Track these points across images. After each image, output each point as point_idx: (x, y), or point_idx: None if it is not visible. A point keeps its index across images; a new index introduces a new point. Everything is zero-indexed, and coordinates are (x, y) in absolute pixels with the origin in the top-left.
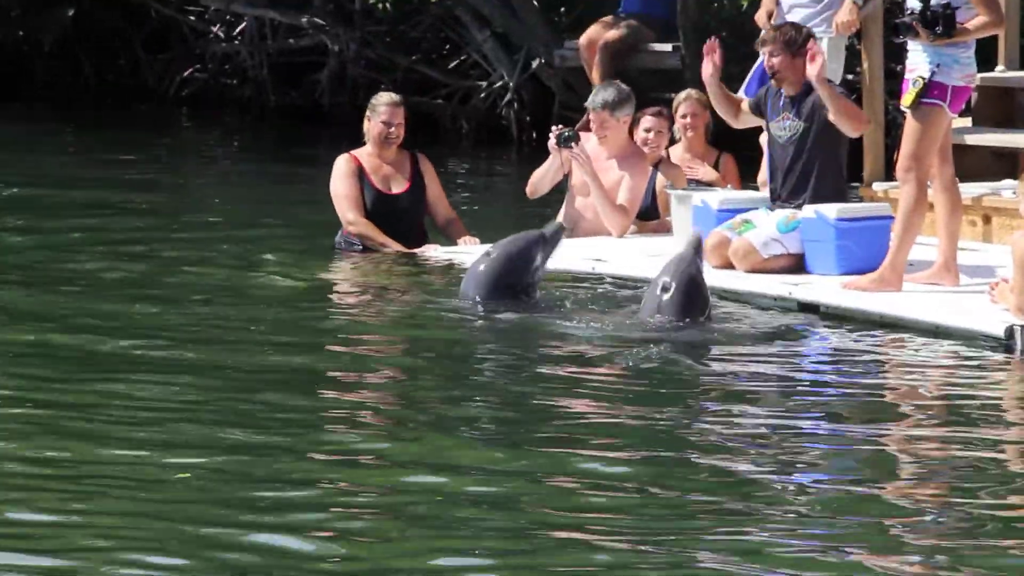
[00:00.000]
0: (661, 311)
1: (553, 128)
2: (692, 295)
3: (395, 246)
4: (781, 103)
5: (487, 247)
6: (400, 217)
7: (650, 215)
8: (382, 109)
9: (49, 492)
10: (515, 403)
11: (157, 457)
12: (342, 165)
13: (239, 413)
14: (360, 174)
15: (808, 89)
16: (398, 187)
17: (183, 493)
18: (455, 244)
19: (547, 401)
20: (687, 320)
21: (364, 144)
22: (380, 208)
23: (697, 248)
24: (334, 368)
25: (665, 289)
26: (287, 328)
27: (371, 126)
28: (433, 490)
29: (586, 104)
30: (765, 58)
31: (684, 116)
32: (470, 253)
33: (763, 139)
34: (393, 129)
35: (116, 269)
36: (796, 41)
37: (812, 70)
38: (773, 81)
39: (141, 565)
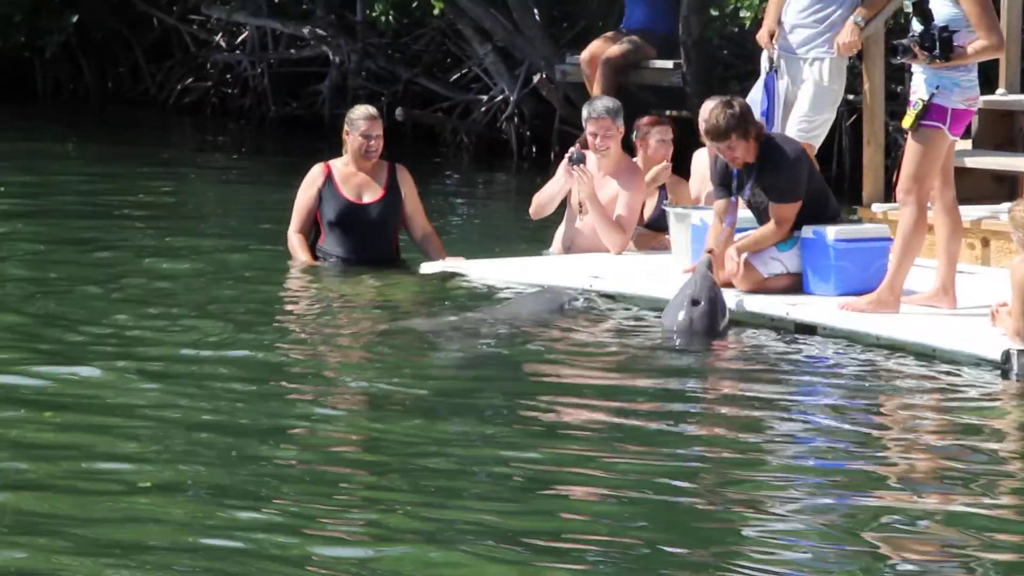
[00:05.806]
0: (693, 325)
1: (571, 149)
2: (717, 311)
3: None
4: (746, 177)
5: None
6: (369, 227)
7: (661, 226)
8: (360, 123)
9: None
10: (531, 418)
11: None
12: (309, 175)
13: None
14: (328, 183)
15: (760, 159)
16: (370, 197)
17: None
18: (432, 260)
19: (566, 412)
20: (713, 333)
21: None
22: (347, 217)
23: (710, 266)
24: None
25: (695, 303)
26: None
27: (350, 139)
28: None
29: (584, 116)
30: (725, 152)
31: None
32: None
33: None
34: (372, 142)
35: (109, 277)
36: (745, 120)
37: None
38: (735, 167)
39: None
